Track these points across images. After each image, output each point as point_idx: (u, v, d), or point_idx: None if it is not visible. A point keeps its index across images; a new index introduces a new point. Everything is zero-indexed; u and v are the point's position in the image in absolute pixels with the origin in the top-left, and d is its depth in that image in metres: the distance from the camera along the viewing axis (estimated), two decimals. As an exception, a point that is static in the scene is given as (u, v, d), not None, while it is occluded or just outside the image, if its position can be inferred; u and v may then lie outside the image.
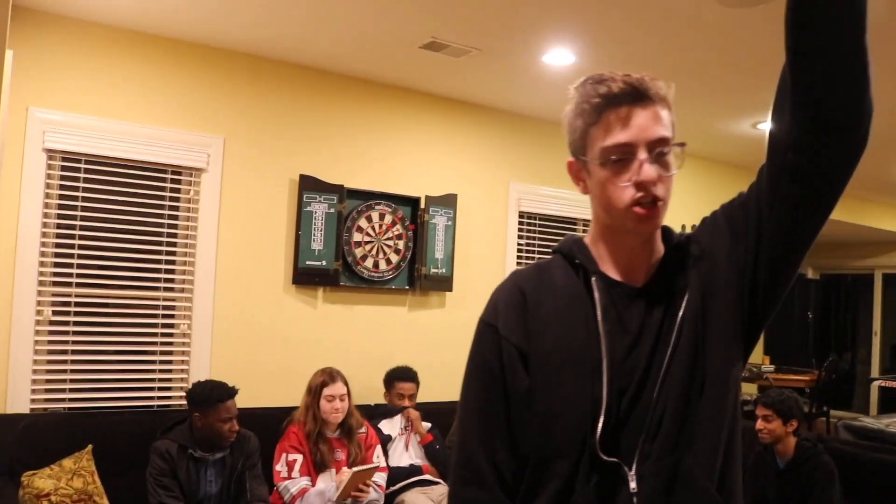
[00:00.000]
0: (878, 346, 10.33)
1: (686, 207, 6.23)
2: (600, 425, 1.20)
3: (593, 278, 1.28)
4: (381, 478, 3.82)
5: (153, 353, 4.01)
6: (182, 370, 4.06)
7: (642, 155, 1.19)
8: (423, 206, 4.72)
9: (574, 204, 5.35)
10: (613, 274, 1.30)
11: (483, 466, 1.26)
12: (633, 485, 1.19)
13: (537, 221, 5.32)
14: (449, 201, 4.80)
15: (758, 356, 9.77)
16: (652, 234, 1.29)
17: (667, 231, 1.35)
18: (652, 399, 1.22)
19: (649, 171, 1.18)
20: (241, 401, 3.51)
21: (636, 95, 1.19)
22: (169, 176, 4.03)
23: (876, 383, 8.74)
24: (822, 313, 10.66)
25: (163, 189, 4.02)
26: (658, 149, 1.20)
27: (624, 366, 1.23)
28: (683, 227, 5.92)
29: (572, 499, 1.21)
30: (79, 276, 3.80)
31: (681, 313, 1.25)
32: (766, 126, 5.27)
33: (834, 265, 10.79)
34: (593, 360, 1.22)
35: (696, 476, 1.21)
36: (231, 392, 3.41)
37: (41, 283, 3.70)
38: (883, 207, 8.59)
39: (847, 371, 10.47)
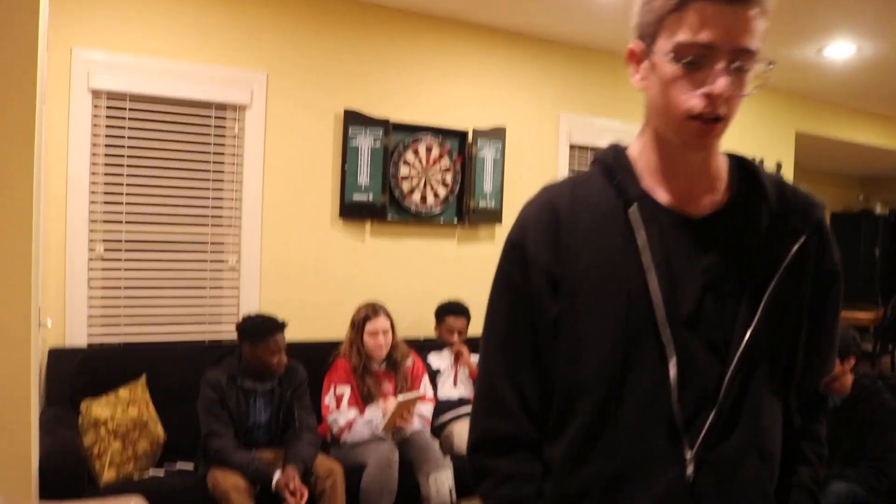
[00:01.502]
0: (949, 284, 9.95)
1: (741, 135, 6.04)
2: (672, 377, 1.08)
3: (632, 207, 1.13)
4: (426, 408, 3.84)
5: (203, 287, 4.05)
6: (232, 304, 4.11)
7: (720, 63, 1.02)
8: (470, 139, 4.63)
9: (627, 135, 5.12)
10: (664, 195, 1.15)
11: (507, 396, 1.17)
12: (689, 469, 1.09)
13: (588, 153, 5.18)
14: (497, 134, 4.70)
15: (820, 295, 9.51)
16: (711, 154, 1.15)
17: (748, 166, 1.20)
18: (729, 366, 1.10)
19: (723, 84, 1.02)
20: (290, 333, 3.53)
21: None
22: (213, 113, 4.01)
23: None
24: (890, 249, 10.28)
25: (207, 126, 4.01)
26: (740, 60, 1.03)
27: (682, 311, 1.10)
28: (761, 160, 5.71)
29: (599, 444, 1.12)
30: (128, 213, 3.84)
31: (779, 272, 1.11)
32: (831, 52, 5.00)
33: (904, 200, 10.37)
34: (633, 295, 1.10)
35: (761, 479, 1.14)
36: (280, 325, 3.43)
37: (92, 221, 3.75)
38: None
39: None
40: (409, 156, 4.45)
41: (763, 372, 1.13)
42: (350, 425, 3.57)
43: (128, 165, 3.82)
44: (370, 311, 3.76)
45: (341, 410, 3.62)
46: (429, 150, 4.51)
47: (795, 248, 1.13)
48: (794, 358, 1.17)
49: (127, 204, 3.83)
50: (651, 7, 1.07)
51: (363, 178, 4.29)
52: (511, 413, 1.17)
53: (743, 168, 1.19)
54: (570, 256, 1.13)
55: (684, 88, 1.05)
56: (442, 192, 4.57)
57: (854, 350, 3.54)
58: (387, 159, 4.35)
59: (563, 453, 1.15)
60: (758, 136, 6.12)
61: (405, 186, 4.44)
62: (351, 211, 4.30)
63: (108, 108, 3.76)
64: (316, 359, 3.82)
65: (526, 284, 1.16)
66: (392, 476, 3.38)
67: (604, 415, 1.11)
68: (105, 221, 3.80)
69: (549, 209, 1.17)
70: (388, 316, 3.79)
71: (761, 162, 5.24)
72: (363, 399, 3.68)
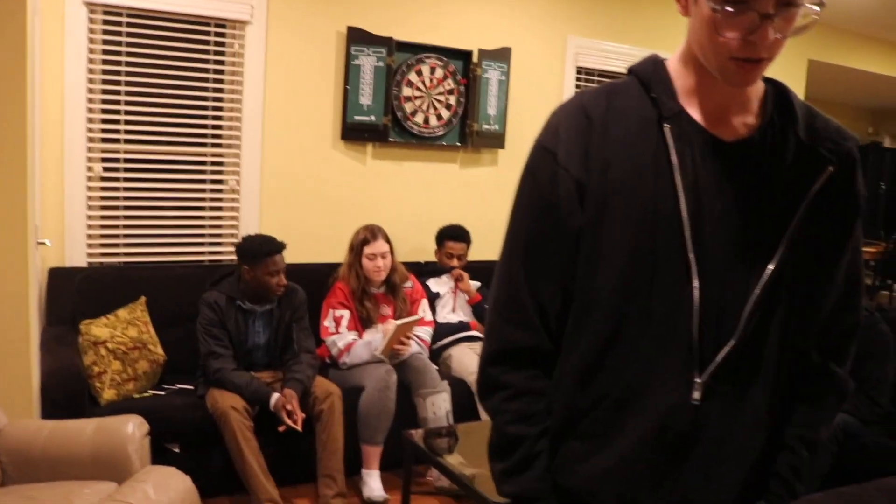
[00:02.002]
0: (953, 219, 9.90)
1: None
2: (696, 298, 1.07)
3: (667, 126, 1.09)
4: (425, 332, 3.85)
5: (203, 208, 4.02)
6: (232, 225, 4.08)
7: (766, 7, 0.96)
8: (475, 60, 4.51)
9: (637, 59, 5.05)
10: (698, 114, 1.11)
11: (528, 306, 1.15)
12: (696, 394, 1.09)
13: (596, 77, 5.06)
14: (503, 55, 4.59)
15: (823, 227, 9.48)
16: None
17: (782, 91, 1.15)
18: (751, 294, 1.08)
19: (767, 35, 0.97)
20: (290, 256, 3.51)
21: None
22: (213, 29, 3.91)
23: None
24: (895, 184, 10.21)
25: (207, 43, 3.91)
26: (789, 4, 0.97)
27: (706, 235, 1.08)
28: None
29: (610, 359, 1.11)
30: (126, 132, 3.77)
31: (804, 203, 1.09)
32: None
33: (913, 133, 10.24)
34: (661, 213, 1.07)
35: (762, 416, 1.14)
36: (279, 246, 3.41)
37: (90, 140, 3.69)
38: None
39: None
40: (413, 76, 4.35)
41: (785, 305, 1.11)
42: (349, 347, 3.58)
43: (126, 83, 3.74)
44: (369, 234, 3.72)
45: (340, 333, 3.63)
46: (433, 70, 4.40)
47: (822, 180, 1.10)
48: (816, 292, 1.15)
49: (125, 122, 3.77)
50: None
51: (365, 98, 4.21)
52: (531, 324, 1.16)
53: (778, 94, 1.15)
54: (601, 166, 1.10)
55: (726, 30, 1.00)
56: (445, 114, 4.48)
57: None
58: (390, 79, 4.25)
59: (575, 367, 1.15)
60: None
61: (408, 108, 4.36)
62: (352, 132, 4.23)
63: (104, 22, 3.66)
64: (316, 281, 3.81)
65: (553, 191, 1.12)
66: (390, 398, 3.41)
67: (618, 330, 1.10)
68: (103, 140, 3.74)
69: (582, 115, 1.13)
70: (387, 239, 3.76)
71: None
72: (362, 322, 3.69)
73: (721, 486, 1.14)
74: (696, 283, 1.07)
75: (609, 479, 1.14)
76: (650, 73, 1.15)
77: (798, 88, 6.23)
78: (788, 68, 6.16)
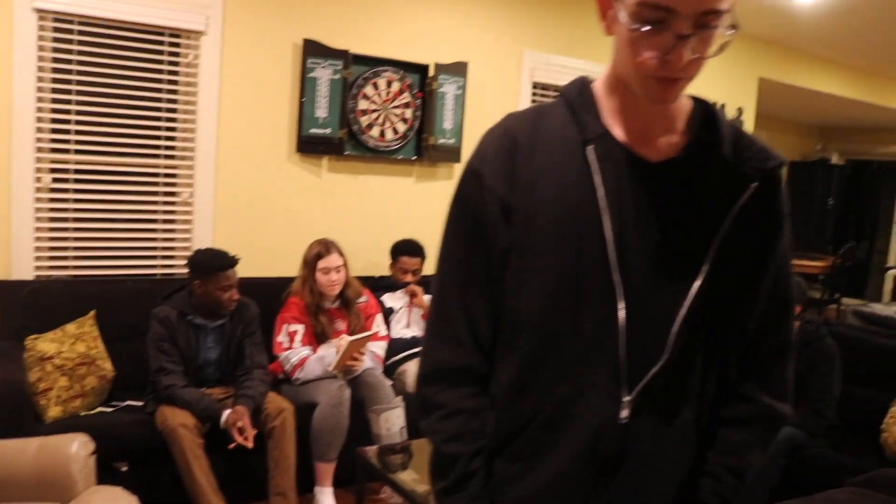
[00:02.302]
0: (898, 234, 10.19)
1: (703, 80, 5.99)
2: (622, 317, 1.08)
3: (589, 147, 1.11)
4: (379, 347, 3.83)
5: (155, 221, 3.96)
6: (185, 238, 4.02)
7: (683, 29, 0.97)
8: (431, 73, 4.52)
9: (593, 75, 5.11)
10: (623, 134, 1.13)
11: (461, 326, 1.16)
12: (624, 413, 1.10)
13: (552, 92, 5.11)
14: (459, 69, 4.61)
15: (774, 241, 9.67)
16: (675, 105, 1.13)
17: (708, 110, 1.17)
18: (678, 313, 1.10)
19: (683, 54, 0.99)
20: (244, 270, 3.48)
21: None
22: (167, 39, 3.86)
23: (891, 272, 8.67)
24: (843, 200, 10.47)
25: (161, 53, 3.86)
26: (706, 21, 0.98)
27: (631, 255, 1.09)
28: (723, 105, 5.71)
29: (538, 379, 1.13)
30: (77, 143, 3.70)
31: (728, 221, 1.11)
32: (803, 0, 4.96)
33: (860, 150, 10.52)
34: (585, 233, 1.09)
35: (690, 434, 1.16)
36: (232, 261, 3.37)
37: (39, 150, 3.61)
38: (916, 90, 8.24)
39: (864, 259, 10.39)
40: (369, 89, 4.34)
41: (712, 323, 1.13)
42: (302, 363, 3.55)
43: (77, 92, 3.67)
44: (322, 248, 3.70)
45: (294, 348, 3.60)
46: (389, 84, 4.40)
47: (745, 197, 1.12)
48: (739, 310, 1.17)
49: (76, 133, 3.70)
50: None
51: (321, 111, 4.19)
52: (463, 344, 1.17)
53: (704, 112, 1.18)
54: (526, 187, 1.12)
55: (644, 50, 1.02)
56: (401, 127, 4.48)
57: (800, 297, 3.61)
58: (346, 92, 4.24)
59: (505, 386, 1.17)
60: (720, 80, 6.09)
61: (364, 121, 4.35)
62: (308, 145, 4.21)
63: (54, 29, 3.59)
64: (270, 296, 3.77)
65: (481, 212, 1.15)
66: (343, 414, 3.39)
67: (546, 348, 1.12)
68: (53, 150, 3.66)
69: (509, 137, 1.15)
70: (341, 253, 3.74)
71: (722, 107, 5.25)
72: (316, 337, 3.66)
73: (650, 502, 1.15)
74: (621, 304, 1.08)
75: (539, 500, 1.15)
76: (576, 95, 1.17)
77: (749, 105, 6.37)
78: (740, 86, 6.29)
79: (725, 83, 6.15)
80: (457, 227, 1.19)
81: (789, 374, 1.22)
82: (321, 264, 3.67)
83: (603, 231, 1.08)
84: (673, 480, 1.16)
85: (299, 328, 3.62)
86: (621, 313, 1.09)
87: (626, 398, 1.10)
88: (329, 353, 3.56)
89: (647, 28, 0.99)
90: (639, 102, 1.11)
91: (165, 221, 3.99)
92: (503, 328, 1.16)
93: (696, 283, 1.10)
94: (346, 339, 3.50)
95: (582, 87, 1.18)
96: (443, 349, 1.18)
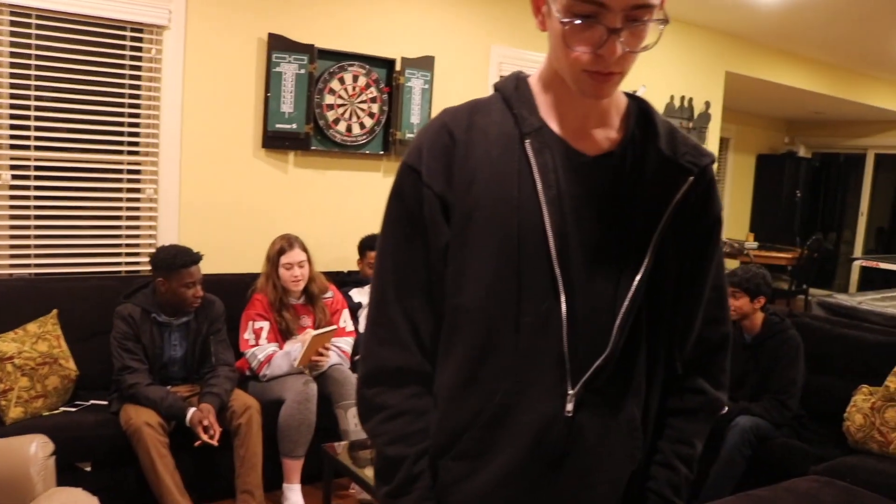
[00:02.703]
0: (864, 226, 10.34)
1: (671, 74, 6.06)
2: (563, 311, 1.08)
3: (527, 140, 1.11)
4: (346, 342, 3.82)
5: (119, 218, 3.91)
6: (150, 235, 3.98)
7: (614, 22, 0.98)
8: (398, 68, 4.51)
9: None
10: (560, 128, 1.14)
11: (400, 325, 1.15)
12: (569, 405, 1.10)
13: (520, 89, 5.11)
14: (426, 64, 4.60)
15: (742, 233, 9.79)
16: (610, 100, 1.14)
17: (643, 107, 1.18)
18: (619, 307, 1.10)
19: (613, 48, 0.99)
20: (210, 266, 3.45)
21: None
22: (129, 34, 3.81)
23: (857, 263, 8.78)
24: (811, 192, 10.60)
25: (123, 48, 3.81)
26: (637, 15, 0.99)
27: (572, 249, 1.10)
28: (639, 89, 5.72)
29: (482, 375, 1.12)
30: (37, 139, 3.65)
31: (666, 215, 1.12)
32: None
33: (827, 144, 10.65)
34: (525, 227, 1.09)
35: (637, 427, 1.17)
36: (195, 258, 3.34)
37: (-3, 146, 3.56)
38: (879, 83, 8.35)
39: (831, 251, 10.53)
40: (335, 84, 4.32)
41: (654, 316, 1.14)
42: (269, 359, 3.53)
43: (36, 87, 3.62)
44: (285, 244, 3.68)
45: (260, 345, 3.57)
46: (355, 78, 4.38)
47: (681, 191, 1.13)
48: (680, 303, 1.19)
49: (36, 129, 3.64)
50: None
51: (287, 106, 4.16)
52: (403, 342, 1.15)
53: (639, 109, 1.18)
54: (464, 183, 1.11)
55: (577, 43, 1.02)
56: (368, 122, 4.46)
57: (764, 289, 3.65)
58: (312, 87, 4.21)
59: (449, 383, 1.15)
60: (687, 74, 6.14)
61: (330, 116, 4.32)
62: (274, 140, 4.17)
63: (11, 23, 3.53)
64: (236, 292, 3.75)
65: (419, 209, 1.13)
66: (310, 410, 3.37)
67: (488, 345, 1.11)
68: (11, 147, 3.61)
69: (445, 133, 1.14)
70: (304, 248, 3.72)
71: (690, 101, 5.28)
72: (282, 333, 3.64)
73: (598, 496, 1.16)
74: (562, 298, 1.08)
75: (488, 499, 1.14)
76: (512, 90, 1.17)
77: (716, 99, 6.41)
78: (707, 79, 6.33)
79: (692, 77, 6.19)
80: (394, 226, 1.18)
81: (727, 364, 1.26)
82: (284, 260, 3.65)
83: (543, 225, 1.08)
84: (620, 472, 1.17)
85: (264, 325, 3.60)
86: (563, 307, 1.09)
87: (571, 392, 1.10)
88: (294, 349, 3.54)
89: (579, 22, 1.00)
90: (574, 97, 1.11)
91: (129, 218, 3.94)
92: (445, 326, 1.15)
93: (637, 277, 1.11)
94: (310, 334, 3.48)
95: (517, 81, 1.19)
96: (383, 350, 1.16)
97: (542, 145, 1.11)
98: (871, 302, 5.06)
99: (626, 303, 1.10)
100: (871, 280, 8.72)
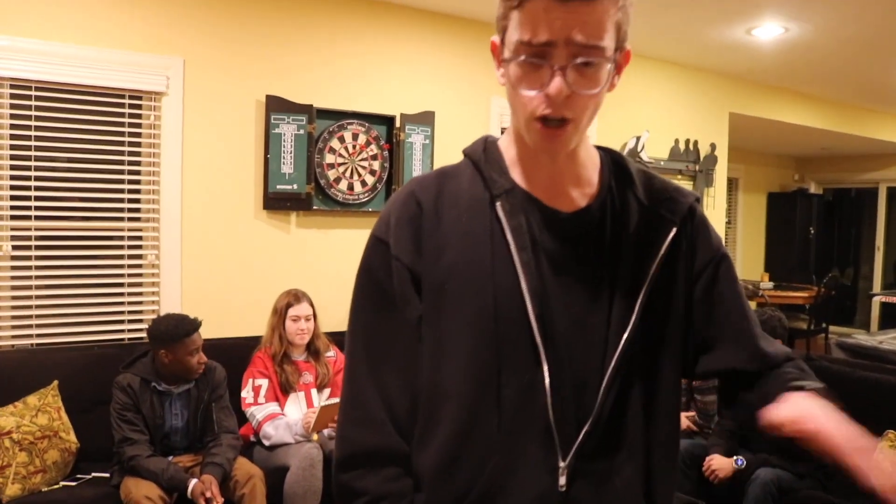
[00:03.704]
0: (881, 261, 10.19)
1: (675, 118, 6.04)
2: (547, 380, 1.02)
3: (498, 202, 1.07)
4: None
5: (121, 285, 3.88)
6: (153, 301, 3.94)
7: (558, 60, 0.96)
8: (398, 124, 4.50)
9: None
10: (532, 189, 1.09)
11: (374, 404, 1.09)
12: (562, 479, 1.04)
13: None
14: (426, 119, 4.59)
15: (757, 273, 9.67)
16: (576, 150, 1.09)
17: (617, 158, 1.15)
18: (607, 368, 1.04)
19: (557, 85, 0.96)
20: (213, 331, 3.42)
21: None
22: (127, 101, 3.83)
23: (877, 299, 8.63)
24: (824, 229, 10.49)
25: (121, 115, 3.82)
26: (583, 57, 0.96)
27: (554, 313, 1.04)
28: (642, 135, 5.72)
29: (468, 452, 1.05)
30: (37, 209, 3.64)
31: (653, 268, 1.07)
32: (760, 33, 5.00)
33: (838, 179, 10.57)
34: (502, 294, 1.03)
35: (637, 489, 1.08)
36: (195, 324, 3.30)
37: (-2, 217, 3.56)
38: (885, 117, 8.31)
39: (849, 287, 10.38)
40: (335, 143, 4.31)
41: (646, 374, 1.08)
42: (268, 419, 3.47)
43: (35, 158, 3.63)
44: (292, 298, 3.70)
45: (259, 404, 3.51)
46: (355, 136, 4.37)
47: (667, 242, 1.08)
48: (692, 347, 1.14)
49: (36, 199, 3.64)
50: (500, 1, 1.01)
51: (287, 166, 4.15)
52: (377, 422, 1.09)
53: (613, 161, 1.15)
54: (434, 253, 1.07)
55: (527, 88, 0.99)
56: (370, 179, 4.44)
57: (780, 332, 3.57)
58: (311, 147, 4.21)
59: (432, 463, 1.08)
60: (691, 117, 6.12)
61: (331, 175, 4.31)
62: (275, 201, 4.15)
63: (12, 96, 3.56)
64: (240, 356, 3.69)
65: (389, 282, 1.09)
66: (315, 477, 3.28)
67: (472, 421, 1.05)
68: (13, 217, 3.60)
69: (413, 203, 1.10)
70: (311, 303, 3.73)
71: (695, 143, 5.24)
72: (282, 388, 3.58)
73: None
74: (545, 365, 1.03)
75: None
76: (480, 153, 1.13)
77: (721, 140, 6.38)
78: (711, 121, 6.31)
79: (697, 120, 6.17)
80: (364, 300, 1.13)
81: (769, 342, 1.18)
82: (291, 312, 3.66)
83: (521, 289, 1.03)
84: None
85: (264, 382, 3.55)
86: (546, 377, 1.03)
87: (562, 465, 1.04)
88: (296, 422, 3.46)
89: (525, 61, 0.98)
90: (541, 156, 1.07)
91: (132, 285, 3.91)
92: (425, 402, 1.09)
93: (625, 335, 1.05)
94: (315, 410, 3.42)
95: (486, 144, 1.15)
96: (358, 431, 1.10)
97: (513, 206, 1.07)
98: (893, 341, 4.94)
99: (612, 363, 1.04)
100: (893, 315, 8.56)
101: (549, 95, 0.97)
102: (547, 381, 1.03)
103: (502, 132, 1.20)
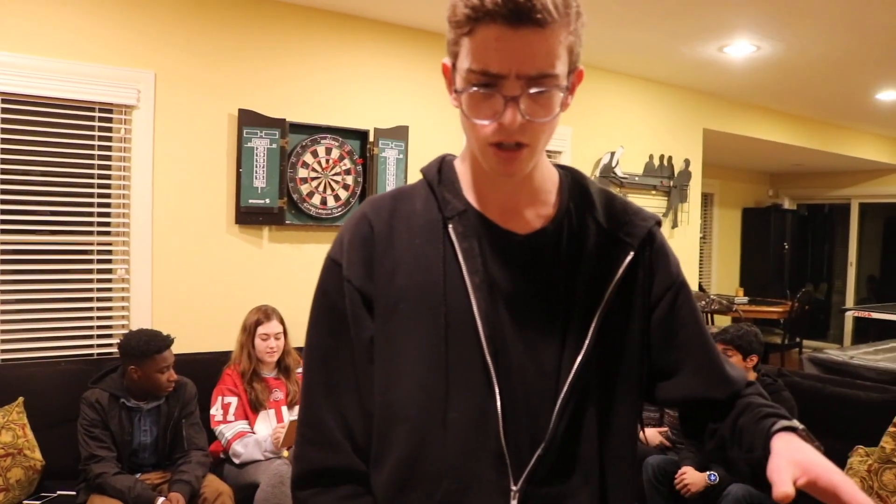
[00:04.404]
0: (854, 276, 10.31)
1: (649, 134, 6.08)
2: (499, 404, 1.01)
3: (450, 224, 1.06)
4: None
5: (90, 300, 3.83)
6: (123, 316, 3.90)
7: (511, 91, 0.94)
8: (372, 139, 4.49)
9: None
10: (487, 210, 1.08)
11: (329, 425, 1.08)
12: (514, 503, 1.03)
13: (497, 154, 5.10)
14: (400, 133, 4.58)
15: (732, 288, 9.74)
16: (533, 171, 1.07)
17: (576, 178, 1.14)
18: (560, 392, 1.03)
19: (510, 116, 0.94)
20: (185, 346, 3.38)
21: (517, 14, 0.90)
22: (97, 114, 3.79)
23: (850, 313, 8.71)
24: (798, 244, 10.60)
25: (91, 128, 3.78)
26: (537, 85, 0.94)
27: (506, 336, 1.03)
28: (617, 150, 5.77)
29: (419, 474, 1.04)
30: (3, 221, 3.59)
31: (608, 293, 1.06)
32: (732, 51, 5.05)
33: (811, 195, 10.70)
34: (454, 316, 1.03)
35: None
36: (167, 342, 3.26)
37: (-37, 231, 3.50)
38: (860, 135, 8.42)
39: (823, 302, 10.48)
40: (308, 157, 4.29)
41: (600, 398, 1.07)
42: (236, 437, 3.43)
43: (2, 171, 3.58)
44: (262, 315, 3.66)
45: (228, 422, 3.48)
46: (328, 151, 4.36)
47: (623, 266, 1.07)
48: (649, 374, 1.13)
49: (2, 212, 3.59)
50: (450, 26, 0.99)
51: (259, 181, 4.12)
52: (334, 442, 1.08)
53: (573, 181, 1.14)
54: (386, 274, 1.06)
55: (480, 114, 0.97)
56: (343, 194, 4.43)
57: (756, 347, 3.58)
58: (284, 161, 4.19)
59: (385, 483, 1.07)
60: (666, 133, 6.17)
61: (304, 189, 4.29)
62: (247, 216, 4.12)
63: (-22, 108, 3.52)
64: (212, 372, 3.65)
65: (341, 304, 1.08)
66: (285, 493, 3.23)
67: (421, 443, 1.04)
68: (-23, 231, 3.55)
69: (365, 224, 1.10)
70: (281, 321, 3.70)
71: (669, 159, 5.27)
72: (251, 405, 3.54)
73: None
74: (496, 389, 1.02)
75: None
76: (435, 173, 1.12)
77: (695, 156, 6.43)
78: (685, 138, 6.36)
79: (671, 136, 6.21)
80: (319, 321, 1.13)
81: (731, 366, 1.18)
82: (261, 330, 3.62)
83: (472, 313, 1.02)
84: None
85: (233, 400, 3.52)
86: (497, 400, 1.02)
87: (514, 489, 1.03)
88: (265, 439, 3.43)
89: (476, 90, 0.96)
90: (495, 179, 1.06)
91: (101, 300, 3.86)
92: (377, 424, 1.08)
93: (578, 360, 1.04)
94: (285, 425, 3.39)
95: (442, 164, 1.14)
96: (313, 451, 1.10)
97: (466, 229, 1.06)
98: (863, 356, 4.97)
99: (565, 388, 1.03)
100: (866, 330, 8.64)
101: (502, 125, 0.96)
102: (499, 404, 1.02)
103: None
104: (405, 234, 1.08)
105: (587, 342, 1.04)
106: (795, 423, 1.02)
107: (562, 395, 1.03)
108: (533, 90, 0.95)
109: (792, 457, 0.95)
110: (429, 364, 1.03)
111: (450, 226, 1.06)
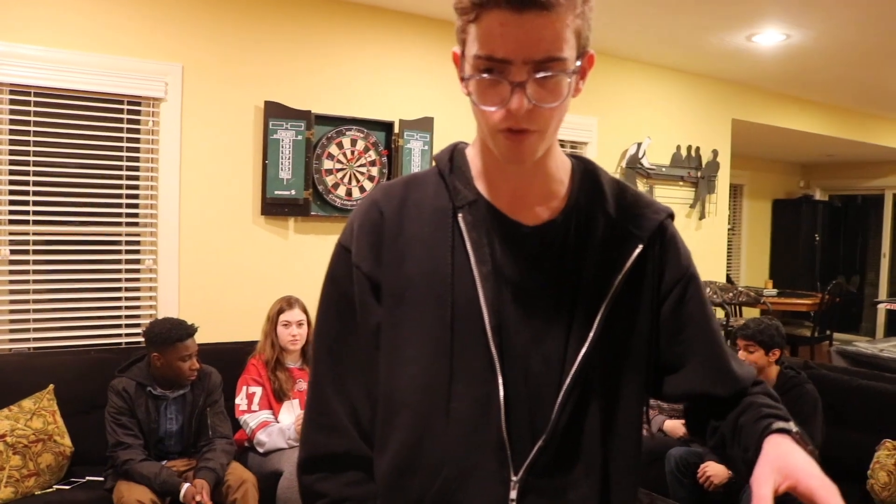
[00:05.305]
0: (887, 268, 10.13)
1: (676, 124, 6.02)
2: (501, 393, 1.02)
3: (460, 213, 1.06)
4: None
5: (118, 290, 3.89)
6: (150, 306, 3.96)
7: (517, 76, 0.94)
8: (397, 130, 4.51)
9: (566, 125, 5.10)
10: (497, 199, 1.08)
11: (337, 410, 1.10)
12: (512, 494, 1.03)
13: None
14: (425, 125, 4.59)
15: (761, 280, 9.64)
16: (544, 160, 1.07)
17: (588, 169, 1.13)
18: (563, 383, 1.03)
19: (518, 102, 0.94)
20: (211, 335, 3.42)
21: None
22: (126, 107, 3.84)
23: (881, 306, 8.58)
24: (830, 235, 10.44)
25: (120, 121, 3.84)
26: (544, 70, 0.94)
27: (511, 326, 1.04)
28: (644, 141, 5.71)
29: (421, 460, 1.05)
30: (35, 213, 3.66)
31: (615, 285, 1.06)
32: (761, 39, 4.98)
33: (843, 186, 10.53)
34: (460, 305, 1.03)
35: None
36: (190, 330, 3.30)
37: (-5, 222, 3.57)
38: (890, 124, 8.26)
39: (855, 294, 10.32)
40: (333, 149, 4.32)
41: (604, 390, 1.07)
42: (261, 427, 3.46)
43: (34, 163, 3.65)
44: (284, 304, 3.69)
45: (252, 412, 3.51)
46: (353, 142, 4.38)
47: (631, 259, 1.07)
48: (656, 367, 1.12)
49: (34, 203, 3.66)
50: (457, 14, 0.99)
51: (285, 172, 4.16)
52: (341, 427, 1.10)
53: (585, 172, 1.13)
54: (394, 261, 1.07)
55: (486, 101, 0.98)
56: (368, 185, 4.45)
57: (778, 341, 3.54)
58: (310, 153, 4.22)
59: (387, 470, 1.09)
60: (694, 123, 6.11)
61: (329, 181, 4.31)
62: (273, 207, 4.16)
63: (11, 101, 3.58)
64: (237, 362, 3.69)
65: (350, 290, 1.10)
66: (309, 482, 3.27)
67: (423, 430, 1.05)
68: (11, 222, 3.62)
69: (376, 210, 1.11)
70: (305, 310, 3.71)
71: (697, 150, 5.21)
72: (276, 395, 3.57)
73: None
74: (500, 378, 1.02)
75: None
76: (446, 162, 1.12)
77: (724, 147, 6.36)
78: (713, 128, 6.29)
79: (698, 126, 6.15)
80: (329, 307, 1.14)
81: (739, 364, 1.17)
82: (283, 318, 3.65)
83: (479, 302, 1.03)
84: None
85: (257, 390, 3.55)
86: (500, 389, 1.02)
87: (514, 479, 1.03)
88: (289, 427, 3.47)
89: (485, 76, 0.96)
90: (506, 166, 1.06)
91: (129, 289, 3.92)
92: (382, 409, 1.09)
93: (582, 351, 1.04)
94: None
95: (454, 152, 1.14)
96: (320, 436, 1.11)
97: (475, 218, 1.07)
98: (893, 349, 4.90)
99: (569, 379, 1.03)
100: (898, 323, 8.51)
101: (510, 111, 0.96)
102: (501, 394, 1.02)
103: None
104: (415, 221, 1.08)
105: (592, 334, 1.04)
106: (791, 425, 1.01)
107: (565, 386, 1.03)
108: (539, 75, 0.94)
109: (776, 462, 0.94)
110: (434, 352, 1.04)
111: (459, 215, 1.07)
